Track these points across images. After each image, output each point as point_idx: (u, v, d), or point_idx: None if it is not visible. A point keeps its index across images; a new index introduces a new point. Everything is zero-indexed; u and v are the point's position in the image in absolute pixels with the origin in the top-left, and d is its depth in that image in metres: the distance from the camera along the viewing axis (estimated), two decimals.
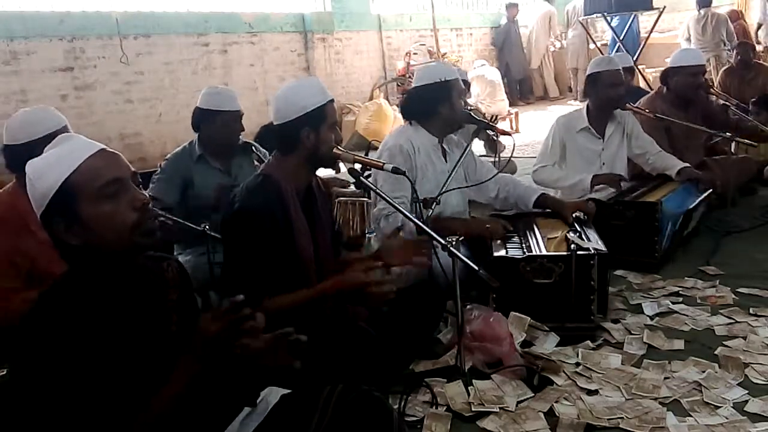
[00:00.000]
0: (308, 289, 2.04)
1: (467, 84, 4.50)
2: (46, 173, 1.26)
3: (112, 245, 1.29)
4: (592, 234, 2.65)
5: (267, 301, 1.92)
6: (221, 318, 1.24)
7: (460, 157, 2.86)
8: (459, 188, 2.85)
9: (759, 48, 8.05)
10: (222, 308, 1.25)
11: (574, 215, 2.81)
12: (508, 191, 3.01)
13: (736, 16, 8.98)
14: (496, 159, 4.14)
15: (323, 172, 3.90)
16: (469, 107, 3.39)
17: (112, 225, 1.27)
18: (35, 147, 2.01)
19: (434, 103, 2.83)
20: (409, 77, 9.75)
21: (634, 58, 6.92)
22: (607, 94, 3.50)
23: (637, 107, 3.77)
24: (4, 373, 1.86)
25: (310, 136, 2.08)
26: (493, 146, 4.30)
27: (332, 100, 2.14)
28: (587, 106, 3.65)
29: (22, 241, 2.09)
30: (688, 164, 3.59)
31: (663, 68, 4.22)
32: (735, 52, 5.83)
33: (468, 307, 2.36)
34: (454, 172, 2.78)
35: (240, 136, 3.07)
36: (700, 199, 3.38)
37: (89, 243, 1.27)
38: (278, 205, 2.07)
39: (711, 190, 3.49)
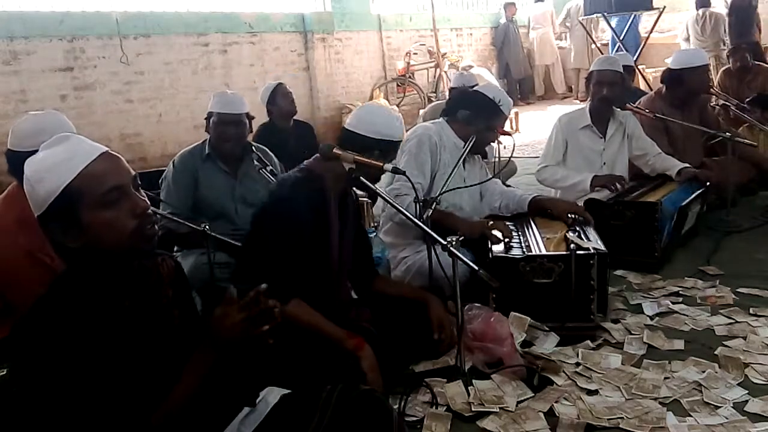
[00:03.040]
0: (330, 324, 2.06)
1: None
2: (46, 177, 1.25)
3: (111, 249, 1.29)
4: (592, 233, 2.65)
5: (293, 302, 1.98)
6: (246, 308, 1.29)
7: (460, 157, 2.87)
8: (459, 188, 2.85)
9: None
10: (247, 297, 1.30)
11: (570, 216, 2.82)
12: (509, 198, 3.09)
13: None
14: (496, 159, 4.14)
15: None
16: None
17: (111, 231, 1.26)
18: None
19: (476, 113, 2.89)
20: (410, 77, 9.76)
21: (634, 58, 6.92)
22: (594, 91, 3.56)
23: (637, 107, 3.77)
24: (5, 373, 1.85)
25: (376, 159, 2.16)
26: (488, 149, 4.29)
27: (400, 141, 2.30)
28: (589, 104, 3.66)
29: (45, 241, 2.08)
30: (687, 164, 3.59)
31: (664, 68, 4.19)
32: (733, 59, 5.72)
33: (468, 306, 2.36)
34: (454, 173, 2.78)
35: (235, 142, 3.02)
36: (693, 195, 3.38)
37: (87, 246, 1.27)
38: (320, 202, 2.11)
39: (707, 185, 3.49)
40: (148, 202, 1.33)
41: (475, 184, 3.01)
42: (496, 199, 3.12)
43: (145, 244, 1.31)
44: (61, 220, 1.25)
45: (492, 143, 3.01)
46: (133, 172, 1.33)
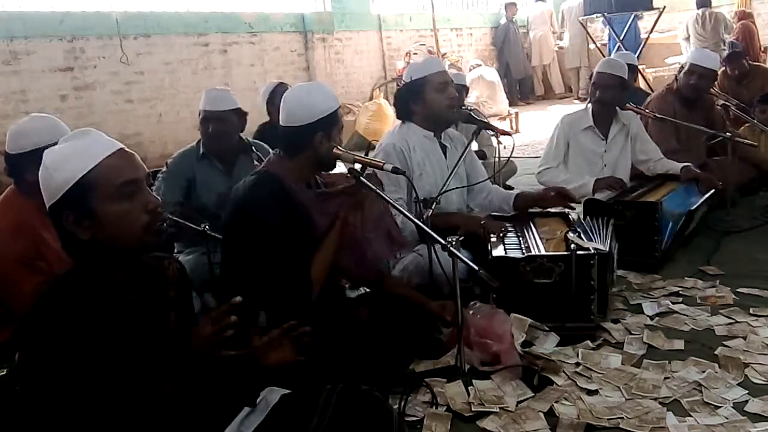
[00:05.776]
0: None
1: (465, 88, 4.50)
2: (64, 165, 1.28)
3: (122, 243, 1.31)
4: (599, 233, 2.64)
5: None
6: (215, 321, 1.27)
7: (460, 156, 2.86)
8: (458, 188, 2.86)
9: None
10: (218, 310, 1.28)
11: (571, 215, 2.83)
12: (492, 194, 3.10)
13: (743, 15, 8.90)
14: (496, 159, 4.14)
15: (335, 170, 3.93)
16: (469, 107, 3.41)
17: (124, 224, 1.29)
18: (32, 157, 1.99)
19: (408, 102, 2.88)
20: None
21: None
22: (591, 92, 3.64)
23: (637, 107, 3.77)
24: (4, 372, 1.85)
25: (323, 140, 2.12)
26: (487, 149, 4.27)
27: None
28: (592, 105, 3.67)
29: (40, 247, 2.08)
30: (689, 163, 3.60)
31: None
32: (730, 68, 5.71)
33: (471, 303, 2.37)
34: (455, 171, 2.78)
35: (218, 139, 2.97)
36: (702, 199, 3.38)
37: (98, 238, 1.29)
38: (282, 197, 2.09)
39: (713, 190, 3.49)
40: (160, 200, 1.36)
41: (471, 185, 3.00)
42: (483, 195, 3.11)
43: (153, 239, 1.33)
44: (75, 208, 1.27)
45: (451, 106, 2.89)
46: (147, 171, 1.36)
